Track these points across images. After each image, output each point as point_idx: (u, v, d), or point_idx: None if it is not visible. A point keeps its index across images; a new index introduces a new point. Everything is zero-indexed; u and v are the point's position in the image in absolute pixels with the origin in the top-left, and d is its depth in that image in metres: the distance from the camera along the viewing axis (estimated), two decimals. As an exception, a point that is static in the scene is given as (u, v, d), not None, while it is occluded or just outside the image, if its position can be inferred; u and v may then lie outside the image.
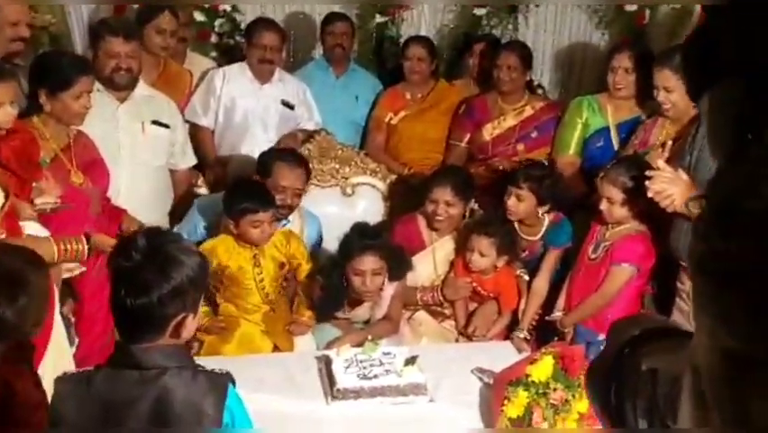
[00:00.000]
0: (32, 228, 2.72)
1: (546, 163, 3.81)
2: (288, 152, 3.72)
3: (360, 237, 3.29)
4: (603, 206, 3.21)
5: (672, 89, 3.31)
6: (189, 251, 1.90)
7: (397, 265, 3.35)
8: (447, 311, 3.60)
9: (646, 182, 2.86)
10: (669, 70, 3.29)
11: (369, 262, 3.24)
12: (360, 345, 2.98)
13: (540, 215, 3.53)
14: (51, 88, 3.01)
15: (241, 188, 3.34)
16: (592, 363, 1.04)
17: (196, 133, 4.23)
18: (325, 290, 3.36)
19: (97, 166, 3.23)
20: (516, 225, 3.55)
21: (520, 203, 3.47)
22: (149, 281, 1.80)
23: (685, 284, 3.03)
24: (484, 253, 3.40)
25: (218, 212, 3.43)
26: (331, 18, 4.70)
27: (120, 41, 3.44)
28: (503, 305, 3.51)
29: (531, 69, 4.34)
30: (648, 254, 3.24)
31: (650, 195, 2.86)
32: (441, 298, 3.53)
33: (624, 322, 1.03)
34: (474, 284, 3.51)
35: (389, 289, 3.38)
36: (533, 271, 3.56)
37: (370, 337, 3.01)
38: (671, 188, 2.82)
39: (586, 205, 3.58)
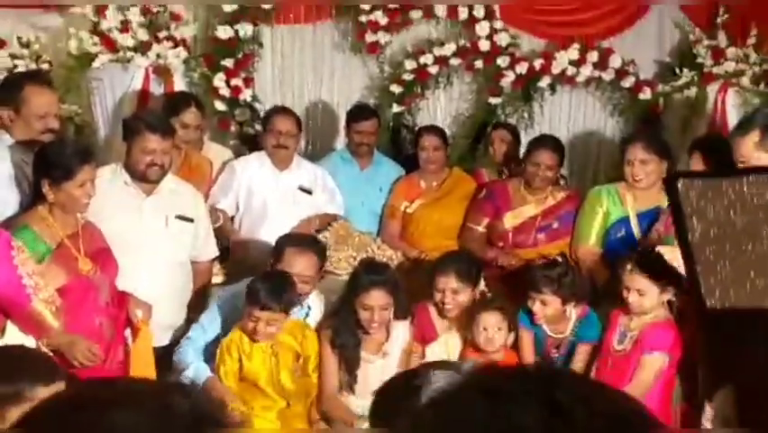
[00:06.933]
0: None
1: (560, 259, 3.61)
2: (302, 238, 3.70)
3: (367, 273, 3.39)
4: (632, 297, 3.18)
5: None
6: None
7: (403, 302, 3.41)
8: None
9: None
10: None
11: (376, 298, 3.30)
12: None
13: (567, 313, 3.46)
14: (54, 179, 3.00)
15: (260, 279, 3.27)
16: None
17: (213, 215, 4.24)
18: (338, 330, 3.37)
19: (105, 254, 3.20)
20: (543, 324, 3.47)
21: (546, 307, 3.40)
22: None
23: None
24: (498, 327, 3.34)
25: (237, 305, 3.37)
26: (357, 116, 4.67)
27: (158, 138, 3.43)
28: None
29: (563, 165, 4.32)
30: (677, 343, 3.21)
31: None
32: None
33: None
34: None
35: (398, 341, 3.40)
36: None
37: None
38: None
39: (609, 293, 3.54)
